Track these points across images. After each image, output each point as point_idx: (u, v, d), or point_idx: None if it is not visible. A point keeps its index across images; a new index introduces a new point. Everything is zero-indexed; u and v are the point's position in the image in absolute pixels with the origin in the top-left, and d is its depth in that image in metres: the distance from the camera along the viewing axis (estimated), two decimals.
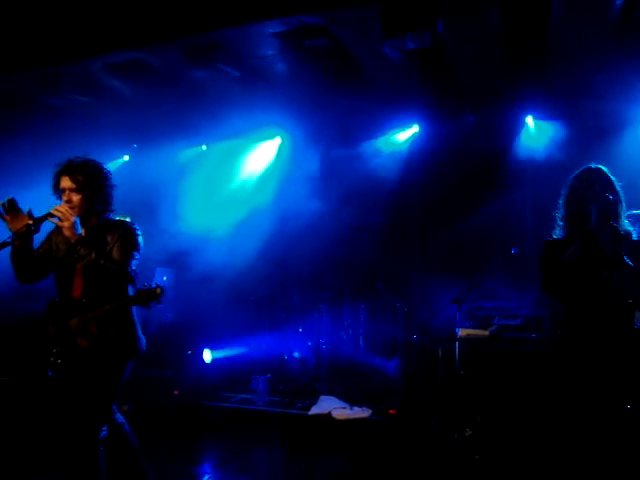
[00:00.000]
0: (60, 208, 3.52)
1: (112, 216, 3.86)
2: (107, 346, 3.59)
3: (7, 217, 3.47)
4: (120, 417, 3.88)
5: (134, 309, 3.79)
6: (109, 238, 3.67)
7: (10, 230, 3.48)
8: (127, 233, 3.73)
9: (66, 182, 3.65)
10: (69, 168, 3.69)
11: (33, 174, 7.09)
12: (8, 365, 7.08)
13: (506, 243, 7.13)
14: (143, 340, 3.82)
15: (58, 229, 3.71)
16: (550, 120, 7.43)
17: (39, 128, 7.21)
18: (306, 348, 7.75)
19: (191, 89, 7.18)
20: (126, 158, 9.25)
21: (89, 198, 3.67)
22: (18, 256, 3.60)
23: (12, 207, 3.46)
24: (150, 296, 3.52)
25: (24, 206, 3.55)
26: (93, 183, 3.69)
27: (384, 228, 8.09)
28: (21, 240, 3.50)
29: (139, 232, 3.79)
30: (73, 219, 3.51)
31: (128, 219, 3.89)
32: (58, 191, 3.70)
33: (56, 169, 3.73)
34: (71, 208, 3.60)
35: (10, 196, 3.48)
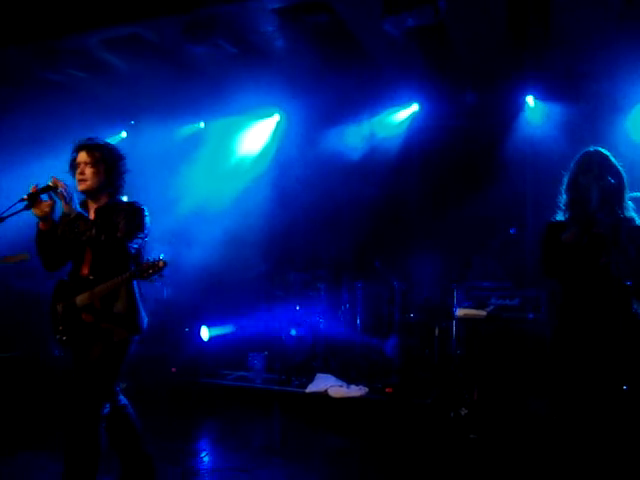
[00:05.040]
0: (57, 181, 3.53)
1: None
2: (110, 322, 3.63)
3: (35, 209, 3.52)
4: (123, 399, 3.92)
5: (136, 287, 3.80)
6: (116, 218, 3.70)
7: (36, 216, 3.55)
8: (134, 212, 3.76)
9: (83, 156, 3.70)
10: (88, 144, 3.75)
11: (30, 149, 7.08)
12: (5, 342, 7.12)
13: (505, 223, 7.14)
14: (146, 319, 3.84)
15: None
16: (551, 101, 7.38)
17: (36, 103, 7.15)
18: (303, 326, 7.78)
19: (189, 65, 7.13)
20: (124, 135, 9.19)
21: (102, 174, 3.72)
22: (44, 241, 3.65)
23: (32, 200, 3.49)
24: (153, 269, 3.56)
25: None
26: (108, 161, 3.75)
27: (383, 206, 8.06)
28: (46, 224, 3.57)
29: (147, 213, 3.82)
30: (71, 192, 3.53)
31: (125, 198, 3.90)
32: (74, 167, 3.74)
33: (75, 145, 3.78)
34: (83, 181, 3.67)
35: (34, 188, 3.49)
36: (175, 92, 7.80)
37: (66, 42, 6.55)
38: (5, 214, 3.43)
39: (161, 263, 3.57)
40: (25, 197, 3.47)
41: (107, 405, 3.62)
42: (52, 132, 7.07)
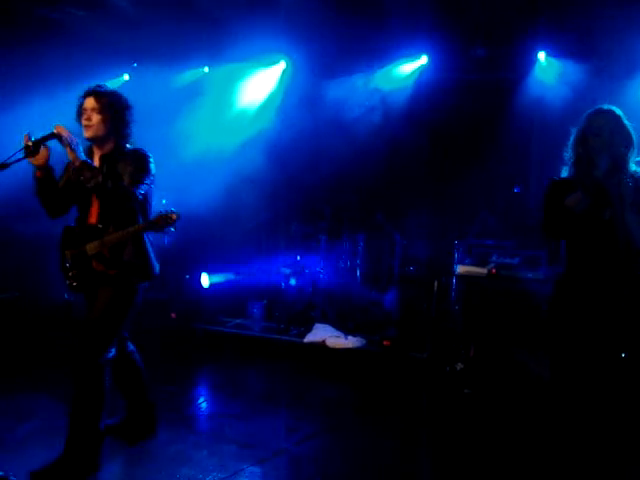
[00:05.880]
0: (61, 128, 3.51)
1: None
2: (121, 270, 3.70)
3: (30, 158, 3.52)
4: (131, 345, 4.06)
5: (145, 235, 3.85)
6: (122, 165, 3.72)
7: (34, 165, 3.57)
8: (138, 159, 3.77)
9: (90, 102, 3.70)
10: (96, 91, 3.75)
11: (28, 89, 6.94)
12: (6, 283, 7.15)
13: (510, 181, 7.07)
14: (157, 266, 3.92)
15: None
16: (564, 57, 7.18)
17: (34, 43, 6.99)
18: (303, 276, 7.80)
19: (194, 7, 6.95)
20: (126, 77, 9.02)
21: (108, 122, 3.72)
22: (43, 189, 3.68)
23: (36, 147, 3.49)
24: (166, 221, 3.65)
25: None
26: (115, 108, 3.75)
27: (387, 160, 7.96)
28: (43, 171, 3.60)
29: (152, 160, 3.82)
30: (75, 140, 3.52)
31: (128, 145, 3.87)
32: (81, 113, 3.74)
33: (83, 92, 3.78)
34: (89, 127, 3.68)
35: (33, 139, 3.48)
36: (179, 35, 7.61)
37: None
38: (9, 161, 3.42)
39: (174, 216, 3.65)
40: (30, 143, 3.45)
41: (113, 349, 3.69)
42: (51, 73, 6.92)
